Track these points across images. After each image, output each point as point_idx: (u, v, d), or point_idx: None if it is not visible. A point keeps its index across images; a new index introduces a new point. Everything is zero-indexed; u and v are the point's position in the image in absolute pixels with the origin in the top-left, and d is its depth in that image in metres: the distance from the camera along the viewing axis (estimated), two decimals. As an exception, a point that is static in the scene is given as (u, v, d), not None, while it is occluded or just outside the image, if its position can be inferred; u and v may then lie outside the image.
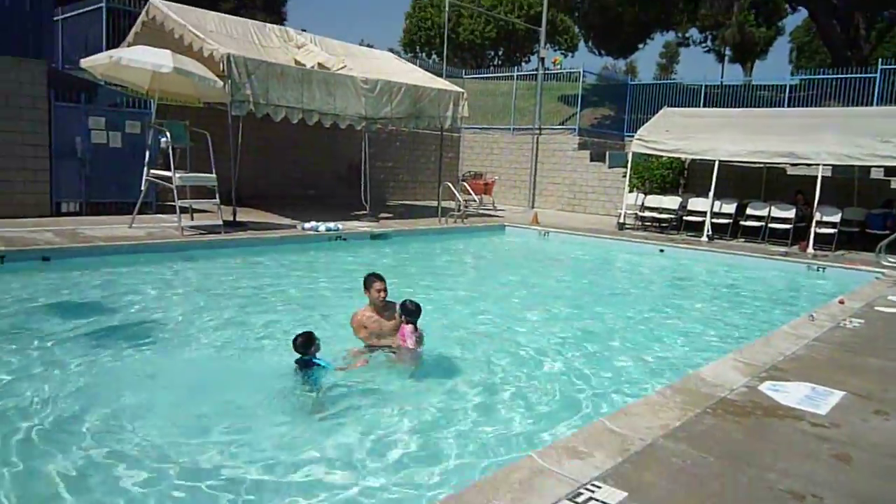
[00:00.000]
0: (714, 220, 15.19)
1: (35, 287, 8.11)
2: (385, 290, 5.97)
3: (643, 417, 4.15)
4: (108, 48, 14.08)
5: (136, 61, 10.96)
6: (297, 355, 5.18)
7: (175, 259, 10.12)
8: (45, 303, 7.48)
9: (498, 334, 7.35)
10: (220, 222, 11.64)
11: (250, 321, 7.16)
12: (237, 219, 12.67)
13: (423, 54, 43.16)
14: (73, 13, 17.17)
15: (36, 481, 3.74)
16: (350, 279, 9.89)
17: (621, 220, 16.35)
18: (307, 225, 12.71)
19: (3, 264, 8.67)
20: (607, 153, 21.04)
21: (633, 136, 17.29)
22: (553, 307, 8.78)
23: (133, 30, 14.14)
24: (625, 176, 17.70)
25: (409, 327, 5.76)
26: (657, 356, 6.76)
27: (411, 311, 5.83)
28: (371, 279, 5.99)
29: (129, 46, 13.06)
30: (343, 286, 9.37)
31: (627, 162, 17.52)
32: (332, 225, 12.75)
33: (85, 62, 11.80)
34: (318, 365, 5.11)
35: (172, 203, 11.39)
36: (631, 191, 17.16)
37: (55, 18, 15.42)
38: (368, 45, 20.65)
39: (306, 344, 5.12)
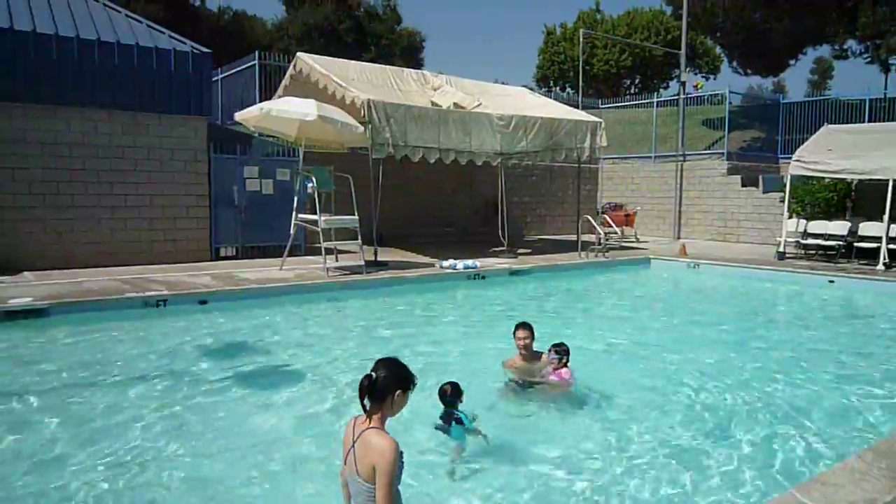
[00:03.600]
0: (890, 247, 13.51)
1: (192, 329, 8.55)
2: (527, 338, 5.90)
3: (842, 488, 3.50)
4: (260, 101, 15.03)
5: (284, 111, 11.55)
6: (439, 404, 4.84)
7: (321, 300, 10.38)
8: (200, 344, 7.83)
9: (652, 377, 6.75)
10: (363, 262, 11.87)
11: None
12: (378, 258, 12.89)
13: (557, 88, 42.91)
14: (230, 72, 18.62)
15: None
16: (489, 318, 9.68)
17: (781, 249, 14.98)
18: (446, 263, 12.68)
19: (165, 307, 9.27)
20: (761, 177, 19.54)
21: (789, 158, 15.92)
22: (714, 348, 8.00)
23: (282, 83, 15.04)
24: (782, 201, 16.27)
25: (565, 371, 5.59)
26: (849, 409, 5.87)
27: (560, 354, 5.68)
28: (515, 328, 6.04)
29: (279, 98, 13.85)
30: (481, 325, 9.14)
31: (785, 186, 16.12)
32: (470, 262, 12.64)
33: (238, 115, 12.62)
34: (462, 422, 4.63)
35: (319, 245, 11.77)
36: (790, 217, 15.73)
37: (214, 79, 16.77)
38: (502, 83, 20.72)
39: (456, 394, 4.70)
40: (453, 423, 4.61)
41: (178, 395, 6.03)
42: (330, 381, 6.54)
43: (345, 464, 3.03)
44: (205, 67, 13.19)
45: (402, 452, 2.95)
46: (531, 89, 22.60)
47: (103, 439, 4.94)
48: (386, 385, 3.01)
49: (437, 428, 4.72)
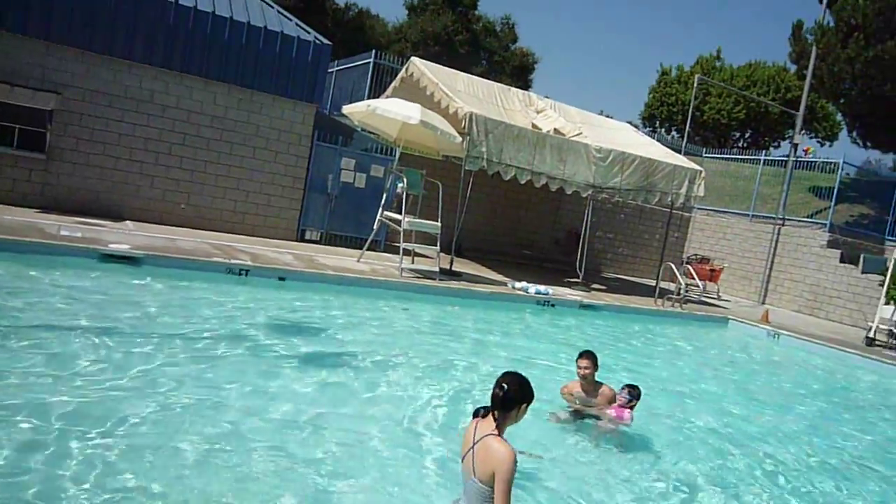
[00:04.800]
0: None
1: (268, 302, 8.94)
2: (588, 368, 5.93)
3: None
4: (369, 99, 15.52)
5: (389, 111, 11.91)
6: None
7: (390, 297, 10.63)
8: (270, 316, 8.19)
9: (708, 439, 6.58)
10: (437, 269, 12.06)
11: (438, 373, 7.17)
12: (453, 268, 13.05)
13: (663, 129, 42.08)
14: (345, 66, 19.31)
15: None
16: (551, 345, 9.65)
17: (871, 335, 14.19)
18: (518, 285, 12.70)
19: (247, 277, 9.72)
20: (862, 256, 18.55)
21: (897, 242, 15.07)
22: (781, 425, 7.69)
23: (392, 84, 15.49)
24: (881, 284, 15.42)
25: (628, 412, 5.62)
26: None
27: (633, 396, 5.87)
28: (579, 356, 6.11)
29: (386, 98, 14.27)
30: (542, 350, 9.13)
31: (887, 269, 15.27)
32: (542, 288, 12.61)
33: (346, 108, 13.09)
34: None
35: (398, 244, 12.05)
36: (887, 302, 14.87)
37: (329, 70, 17.43)
38: (607, 116, 20.56)
39: None
40: None
41: (238, 355, 6.36)
42: (380, 373, 6.74)
43: (462, 461, 3.35)
44: (323, 58, 13.77)
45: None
46: (636, 126, 22.34)
47: (155, 385, 5.28)
48: (514, 397, 3.35)
49: None
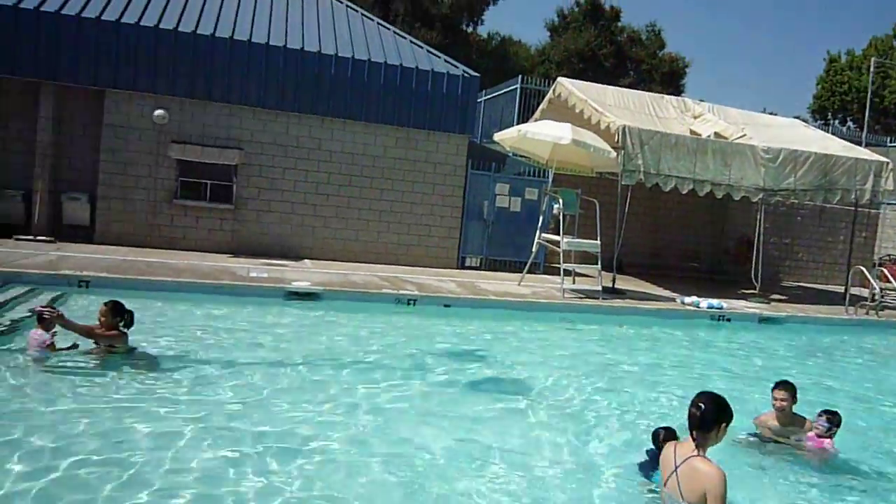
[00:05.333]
0: None
1: (436, 329, 9.25)
2: (786, 400, 5.46)
3: None
4: (518, 124, 15.72)
5: (540, 134, 11.99)
6: (653, 447, 4.68)
7: (554, 319, 10.58)
8: (439, 342, 8.47)
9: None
10: (600, 288, 11.85)
11: (609, 395, 6.97)
12: (616, 286, 12.75)
13: (836, 121, 38.57)
14: (492, 95, 19.70)
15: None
16: (730, 364, 9.08)
17: None
18: (687, 300, 12.14)
19: (415, 306, 10.14)
20: None
21: None
22: None
23: (540, 106, 15.56)
24: None
25: (828, 442, 5.11)
26: None
27: (832, 424, 5.36)
28: (774, 386, 5.69)
29: (535, 122, 14.37)
30: (720, 371, 8.61)
31: None
32: (714, 302, 11.95)
33: (497, 136, 13.34)
34: None
35: (558, 265, 12.00)
36: None
37: (478, 100, 17.87)
38: (771, 114, 19.22)
39: (668, 440, 4.57)
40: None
41: (410, 381, 6.64)
42: (550, 396, 6.70)
43: (664, 485, 3.39)
44: (472, 89, 14.18)
45: None
46: (805, 121, 20.68)
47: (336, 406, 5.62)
48: (713, 418, 3.34)
49: (639, 465, 4.66)
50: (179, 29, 12.59)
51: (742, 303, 12.92)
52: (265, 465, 4.46)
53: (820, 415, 5.40)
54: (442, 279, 12.16)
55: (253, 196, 13.15)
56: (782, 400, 5.50)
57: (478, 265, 14.48)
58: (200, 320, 8.32)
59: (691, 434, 3.34)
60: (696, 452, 3.29)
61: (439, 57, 14.62)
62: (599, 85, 15.25)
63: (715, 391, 3.45)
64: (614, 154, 12.11)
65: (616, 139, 12.28)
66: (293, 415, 5.45)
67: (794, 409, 5.57)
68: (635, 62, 39.32)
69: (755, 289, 13.58)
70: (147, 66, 12.40)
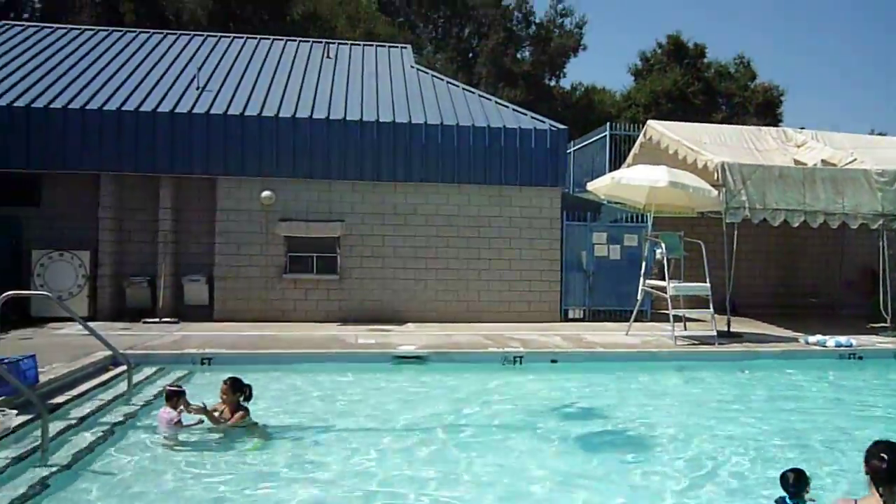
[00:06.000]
0: None
1: (546, 385, 9.09)
2: None
3: None
4: (610, 171, 15.59)
5: (634, 179, 11.82)
6: (783, 493, 4.33)
7: (668, 368, 10.16)
8: (551, 400, 8.29)
9: None
10: (714, 332, 11.32)
11: (734, 443, 6.56)
12: (731, 329, 12.14)
13: (960, 134, 35.69)
14: (582, 144, 19.69)
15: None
16: (868, 410, 8.37)
17: None
18: (812, 339, 11.37)
19: (522, 364, 10.03)
20: None
21: None
22: None
23: (632, 151, 15.40)
24: None
25: None
26: None
27: None
28: None
29: (628, 167, 14.21)
30: (860, 417, 7.94)
31: None
32: (843, 340, 11.12)
33: (590, 185, 13.25)
34: None
35: (666, 312, 11.60)
36: None
37: (567, 151, 17.89)
38: (880, 134, 18.12)
39: (798, 484, 4.25)
40: None
41: (525, 438, 6.51)
42: (671, 448, 6.39)
43: None
44: (561, 142, 14.25)
45: None
46: (923, 139, 19.27)
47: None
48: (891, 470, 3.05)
49: None
50: (280, 115, 13.46)
51: (873, 338, 11.97)
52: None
53: None
54: (546, 334, 12.00)
55: (356, 265, 13.61)
56: None
57: (581, 317, 14.22)
58: (316, 388, 8.56)
59: (877, 490, 3.04)
60: None
61: (525, 114, 14.83)
62: (692, 124, 14.96)
63: (891, 440, 3.18)
64: (715, 192, 11.74)
65: (716, 177, 11.92)
66: (413, 474, 5.46)
67: None
68: (726, 96, 38.31)
69: (887, 322, 12.56)
70: (253, 151, 13.29)
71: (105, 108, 13.07)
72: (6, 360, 6.41)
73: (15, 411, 5.90)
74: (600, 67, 69.90)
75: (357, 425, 7.02)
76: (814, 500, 4.37)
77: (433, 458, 6.05)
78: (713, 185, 11.83)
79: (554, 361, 10.21)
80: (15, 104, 12.87)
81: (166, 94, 13.88)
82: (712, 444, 6.60)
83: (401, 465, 5.84)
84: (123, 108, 13.11)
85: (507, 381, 9.27)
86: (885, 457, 3.01)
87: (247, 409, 6.53)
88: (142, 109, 13.17)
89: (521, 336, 11.64)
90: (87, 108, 13.03)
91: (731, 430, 7.09)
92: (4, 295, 7.23)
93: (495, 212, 13.94)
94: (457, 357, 10.14)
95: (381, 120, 13.70)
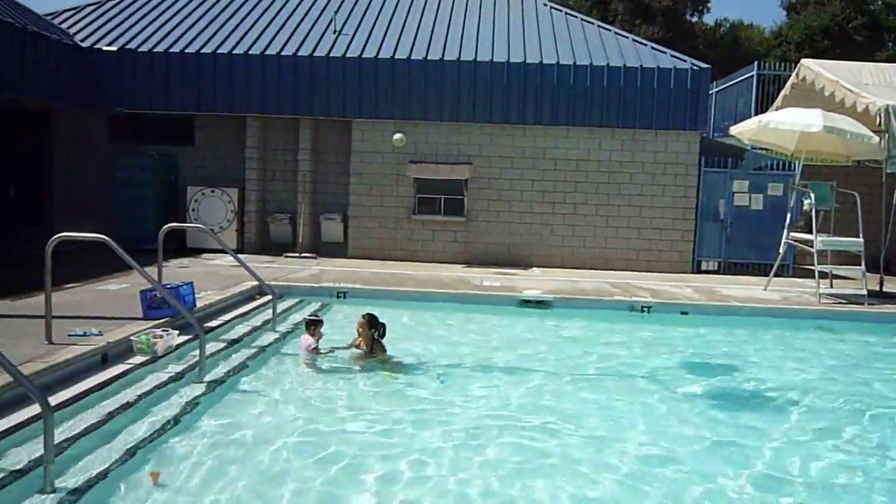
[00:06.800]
0: None
1: (673, 338, 8.87)
2: None
3: None
4: (756, 114, 14.53)
5: (784, 123, 10.97)
6: None
7: (808, 327, 9.58)
8: (678, 353, 8.09)
9: None
10: (864, 292, 10.49)
11: (876, 413, 6.13)
12: (884, 289, 11.20)
13: None
14: (725, 86, 18.44)
15: None
16: None
17: None
18: (983, 303, 10.29)
19: (650, 314, 9.81)
20: None
21: None
22: None
23: (782, 93, 14.22)
24: None
25: None
26: None
27: None
28: None
29: (777, 110, 13.18)
30: None
31: None
32: None
33: (734, 129, 12.43)
34: None
35: (810, 267, 10.87)
36: None
37: (710, 92, 16.84)
38: None
39: None
40: None
41: (646, 392, 6.44)
42: (806, 413, 6.09)
43: None
44: (703, 82, 13.43)
45: None
46: None
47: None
48: None
49: None
50: (412, 57, 13.59)
51: None
52: (502, 462, 4.64)
53: None
54: (677, 285, 11.62)
55: (483, 208, 13.71)
56: None
57: (715, 269, 13.61)
58: (443, 327, 8.87)
59: None
60: None
61: (664, 52, 14.05)
62: (853, 63, 13.54)
63: None
64: (876, 139, 10.67)
65: (878, 121, 10.81)
66: (531, 421, 5.58)
67: None
68: (894, 32, 34.20)
69: None
70: (386, 94, 13.56)
71: (250, 52, 13.76)
72: (168, 286, 7.11)
73: (177, 332, 6.56)
74: (748, 1, 64.42)
75: (482, 365, 7.22)
76: None
77: (558, 397, 6.16)
78: (874, 131, 10.75)
79: (684, 313, 9.92)
80: (171, 50, 13.83)
81: (305, 38, 14.36)
82: (852, 409, 6.23)
83: (529, 403, 5.99)
84: (266, 53, 13.74)
85: (634, 331, 9.12)
86: None
87: (383, 346, 6.89)
88: (283, 53, 13.74)
89: (649, 286, 11.35)
90: (234, 52, 13.77)
91: (874, 397, 6.64)
92: (166, 227, 8.00)
93: (627, 157, 13.47)
94: (582, 304, 10.07)
95: (511, 60, 13.48)
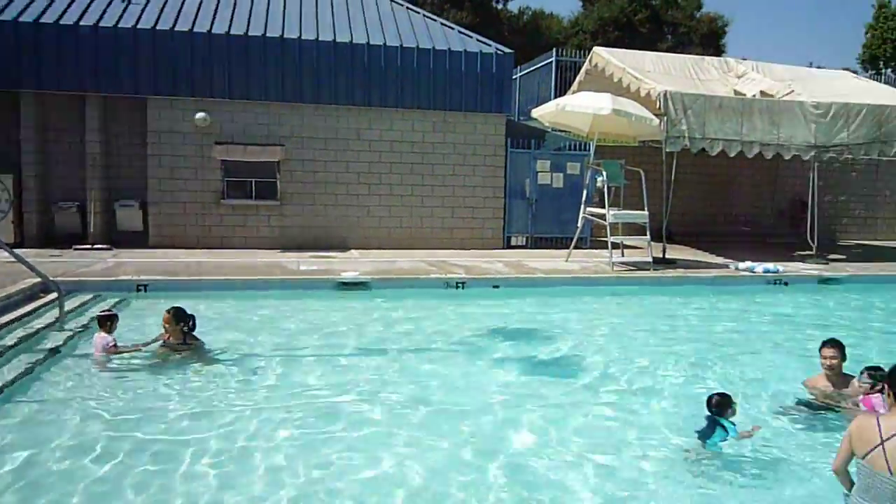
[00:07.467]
0: None
1: (486, 310, 9.25)
2: (834, 358, 5.29)
3: None
4: (555, 98, 15.50)
5: (579, 106, 11.80)
6: (707, 413, 4.73)
7: (604, 294, 10.46)
8: (491, 325, 8.45)
9: None
10: (650, 259, 11.65)
11: (663, 365, 6.86)
12: (667, 256, 12.52)
13: (889, 70, 36.83)
14: (527, 71, 19.45)
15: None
16: (790, 330, 8.84)
17: None
18: (742, 265, 11.84)
19: (464, 289, 10.14)
20: None
21: None
22: None
23: (577, 79, 15.31)
24: None
25: (877, 399, 4.80)
26: None
27: (875, 379, 4.91)
28: (822, 345, 5.50)
29: (573, 94, 14.14)
30: (780, 337, 8.38)
31: None
32: (770, 266, 11.63)
33: (535, 112, 13.17)
34: (723, 427, 4.55)
35: (605, 239, 11.84)
36: None
37: (513, 77, 17.66)
38: (819, 67, 18.49)
39: (721, 406, 4.64)
40: (717, 430, 4.56)
41: (464, 363, 6.66)
42: (605, 370, 6.64)
43: (862, 458, 3.21)
44: (506, 67, 14.03)
45: None
46: (854, 72, 19.82)
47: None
48: None
49: (698, 433, 4.68)
50: (213, 31, 12.77)
51: (799, 265, 12.54)
52: (319, 432, 4.56)
53: (862, 372, 5.09)
54: (489, 260, 12.13)
55: (297, 191, 13.32)
56: (831, 358, 5.33)
57: (524, 244, 14.40)
58: (257, 315, 8.49)
59: None
60: None
61: (471, 37, 14.48)
62: (637, 51, 14.91)
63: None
64: (657, 121, 11.84)
65: (658, 105, 12.00)
66: (347, 400, 5.53)
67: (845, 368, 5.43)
68: (672, 26, 38.23)
69: (812, 250, 13.17)
70: (185, 70, 12.63)
71: (21, 20, 12.13)
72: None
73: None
74: (548, -8, 68.55)
75: (299, 350, 7.01)
76: (759, 427, 4.75)
77: (373, 380, 6.14)
78: (655, 114, 11.92)
79: (496, 287, 10.37)
80: (-82, 12, 11.81)
81: (89, 5, 12.93)
82: (644, 365, 6.88)
83: (346, 382, 5.91)
84: (42, 21, 12.19)
85: (450, 307, 9.38)
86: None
87: (192, 338, 6.44)
88: (63, 22, 12.27)
89: (463, 262, 11.73)
90: (2, 20, 12.06)
91: (665, 351, 7.39)
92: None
93: (439, 138, 13.76)
94: (400, 283, 10.17)
95: (320, 39, 13.15)
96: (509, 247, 14.23)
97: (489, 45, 14.11)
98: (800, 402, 5.52)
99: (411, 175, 13.70)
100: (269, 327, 7.92)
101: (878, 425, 3.17)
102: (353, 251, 12.96)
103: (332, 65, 13.13)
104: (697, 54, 18.20)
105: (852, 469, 3.36)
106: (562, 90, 16.69)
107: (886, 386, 3.43)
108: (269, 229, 13.26)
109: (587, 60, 14.75)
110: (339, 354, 6.92)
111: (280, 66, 12.93)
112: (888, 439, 3.08)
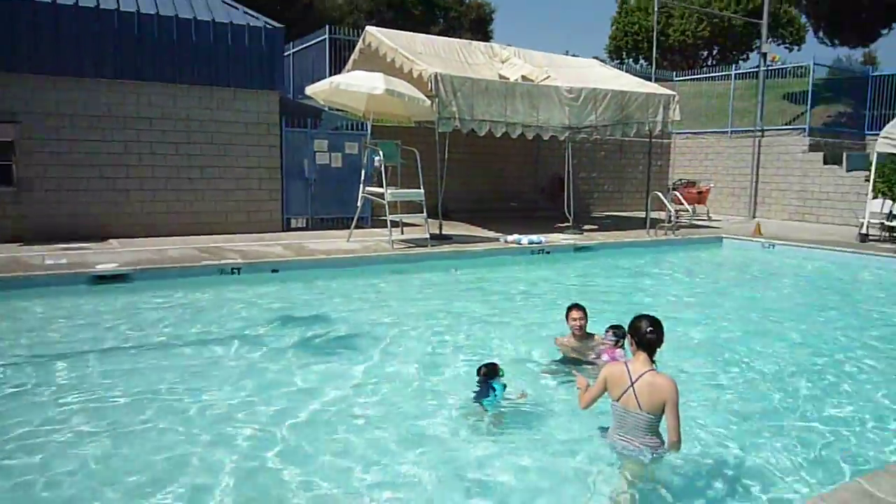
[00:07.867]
0: None
1: (264, 296, 8.89)
2: (581, 319, 5.92)
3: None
4: (330, 76, 15.26)
5: (353, 85, 11.72)
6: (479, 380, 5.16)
7: (385, 272, 10.59)
8: (270, 310, 8.15)
9: (713, 363, 6.63)
10: (428, 236, 12.01)
11: (442, 336, 7.18)
12: (443, 232, 13.01)
13: (630, 60, 41.65)
14: (301, 47, 18.94)
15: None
16: (550, 293, 9.67)
17: (863, 231, 14.26)
18: (510, 238, 12.69)
19: (239, 275, 9.66)
20: (845, 155, 18.59)
21: (876, 135, 15.09)
22: (788, 335, 7.74)
23: (352, 57, 15.21)
24: (867, 180, 15.44)
25: (619, 351, 5.48)
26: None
27: (618, 336, 5.67)
28: (569, 309, 6.07)
29: (347, 73, 14.02)
30: (541, 300, 9.14)
31: (870, 164, 15.28)
32: (534, 238, 12.60)
33: (309, 89, 12.86)
34: (493, 389, 5.00)
35: (385, 218, 11.98)
36: (875, 197, 14.91)
37: (286, 53, 17.08)
38: (573, 55, 20.30)
39: (490, 375, 5.08)
40: (490, 392, 4.98)
41: (244, 356, 6.34)
42: (388, 345, 6.75)
43: (617, 401, 3.86)
44: (277, 42, 13.47)
45: None
46: (602, 61, 22.09)
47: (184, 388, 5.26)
48: (660, 340, 3.89)
49: (474, 396, 5.06)
50: (-85, -17, 10.66)
51: (559, 236, 13.74)
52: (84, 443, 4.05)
53: (607, 331, 5.83)
54: (267, 244, 11.67)
55: (39, 174, 11.67)
56: (579, 319, 5.95)
57: (304, 226, 14.08)
58: (-13, 320, 7.32)
59: (648, 355, 3.82)
60: (652, 368, 3.79)
61: (237, 8, 13.67)
62: (409, 33, 15.16)
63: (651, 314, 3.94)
64: (429, 102, 12.16)
65: (429, 87, 12.32)
66: (121, 399, 4.98)
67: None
68: (444, 10, 39.66)
69: (569, 222, 14.49)
70: None
71: None
72: None
73: None
74: (323, -32, 67.29)
75: (42, 355, 6.16)
76: (525, 395, 5.16)
77: (145, 376, 5.59)
78: (427, 96, 12.23)
79: (275, 271, 10.02)
80: None
81: None
82: (425, 338, 7.08)
83: (103, 384, 5.30)
84: None
85: (226, 294, 8.87)
86: (653, 328, 3.81)
87: None
88: None
89: (239, 247, 11.16)
90: None
91: (439, 324, 7.66)
92: None
93: (206, 115, 12.85)
94: (166, 273, 9.39)
95: (60, 1, 11.57)
96: (289, 229, 13.83)
97: (257, 18, 13.44)
98: (554, 360, 6.11)
99: (176, 156, 12.66)
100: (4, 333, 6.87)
101: (628, 370, 3.82)
102: (112, 241, 11.69)
103: (77, 31, 11.63)
104: (467, 39, 18.97)
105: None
106: (338, 68, 16.49)
107: (629, 337, 4.00)
108: (6, 220, 11.48)
109: (360, 40, 14.70)
110: (88, 356, 6.20)
111: (11, 31, 11.17)
112: (635, 381, 3.75)
